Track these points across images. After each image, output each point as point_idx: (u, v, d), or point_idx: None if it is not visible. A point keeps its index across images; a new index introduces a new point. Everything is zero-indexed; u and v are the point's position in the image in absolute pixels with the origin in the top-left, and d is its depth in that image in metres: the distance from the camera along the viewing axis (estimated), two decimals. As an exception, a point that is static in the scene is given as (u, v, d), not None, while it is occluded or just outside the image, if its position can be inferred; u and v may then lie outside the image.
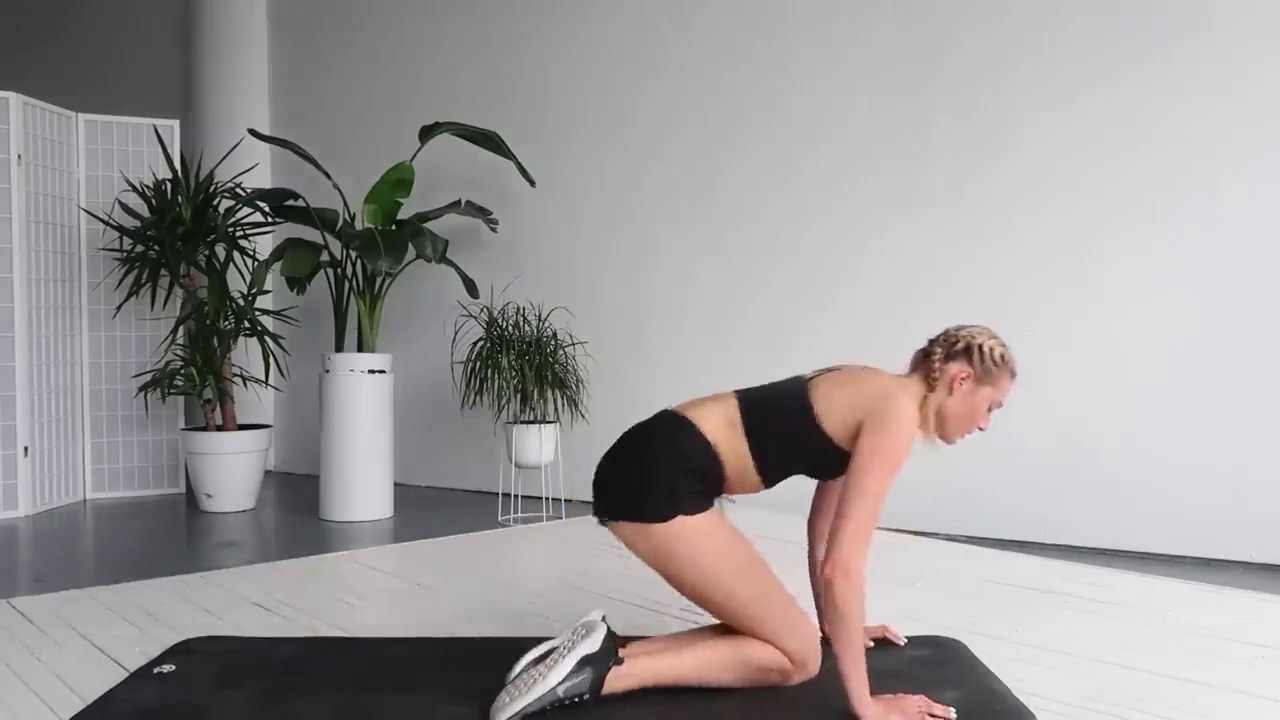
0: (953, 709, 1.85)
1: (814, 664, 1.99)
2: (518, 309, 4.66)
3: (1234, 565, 3.55)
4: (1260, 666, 2.26)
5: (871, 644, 2.28)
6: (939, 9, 4.16)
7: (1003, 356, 2.07)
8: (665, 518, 1.92)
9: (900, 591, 2.94)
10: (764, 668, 1.98)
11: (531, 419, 4.49)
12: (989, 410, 2.07)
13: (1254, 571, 3.47)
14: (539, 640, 2.07)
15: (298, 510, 4.88)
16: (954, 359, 2.07)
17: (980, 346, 2.06)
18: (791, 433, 2.00)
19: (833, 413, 1.98)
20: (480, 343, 4.55)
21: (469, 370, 4.52)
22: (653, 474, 1.95)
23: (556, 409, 4.60)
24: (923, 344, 2.15)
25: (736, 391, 2.10)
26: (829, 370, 2.10)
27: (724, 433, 2.00)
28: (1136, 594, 2.93)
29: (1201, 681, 2.15)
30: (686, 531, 1.93)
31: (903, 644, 2.32)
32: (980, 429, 2.09)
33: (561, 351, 4.61)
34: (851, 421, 1.97)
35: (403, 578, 3.25)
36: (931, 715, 1.83)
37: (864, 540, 1.84)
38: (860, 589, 1.81)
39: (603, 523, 2.01)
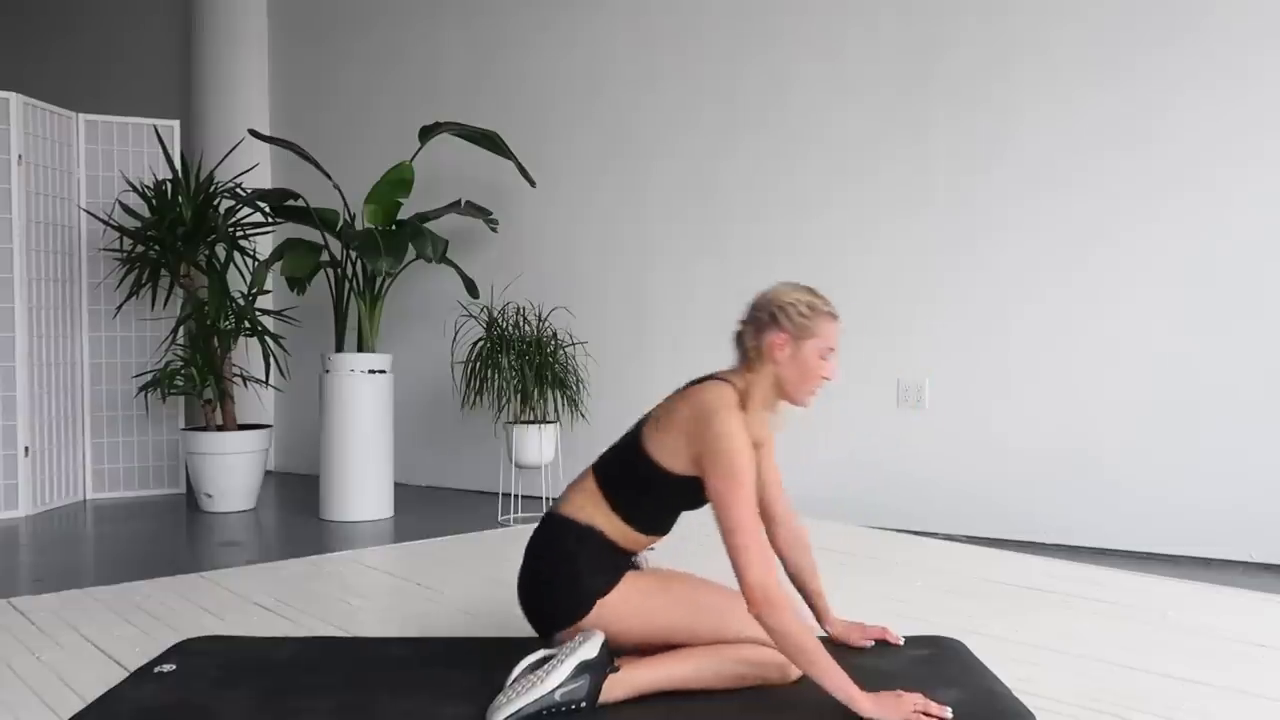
0: (949, 708, 1.84)
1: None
2: (518, 309, 4.66)
3: (1234, 565, 3.55)
4: (1260, 666, 2.26)
5: (871, 644, 2.28)
6: (936, 8, 4.16)
7: (810, 306, 2.05)
8: (587, 611, 1.96)
9: (900, 591, 2.94)
10: (760, 663, 1.98)
11: (531, 419, 4.49)
12: (824, 359, 2.04)
13: (1254, 571, 3.47)
14: (538, 640, 2.08)
15: (298, 510, 4.88)
16: (765, 330, 2.05)
17: (783, 308, 2.04)
18: (642, 481, 2.03)
19: (664, 448, 2.00)
20: (480, 343, 4.55)
21: (469, 370, 4.52)
22: (556, 587, 2.01)
23: (556, 409, 4.60)
24: (737, 327, 2.13)
25: (593, 464, 2.12)
26: (664, 400, 2.12)
27: (595, 512, 2.03)
28: (1136, 594, 2.93)
29: (1201, 681, 2.15)
30: (614, 610, 1.97)
31: (900, 644, 2.32)
32: (826, 379, 2.06)
33: (561, 351, 4.61)
34: (685, 453, 1.98)
35: (403, 578, 3.25)
36: (927, 715, 1.81)
37: (764, 564, 1.84)
38: (788, 608, 1.81)
39: (544, 636, 2.06)
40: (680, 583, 2.04)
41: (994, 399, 4.05)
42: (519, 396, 4.45)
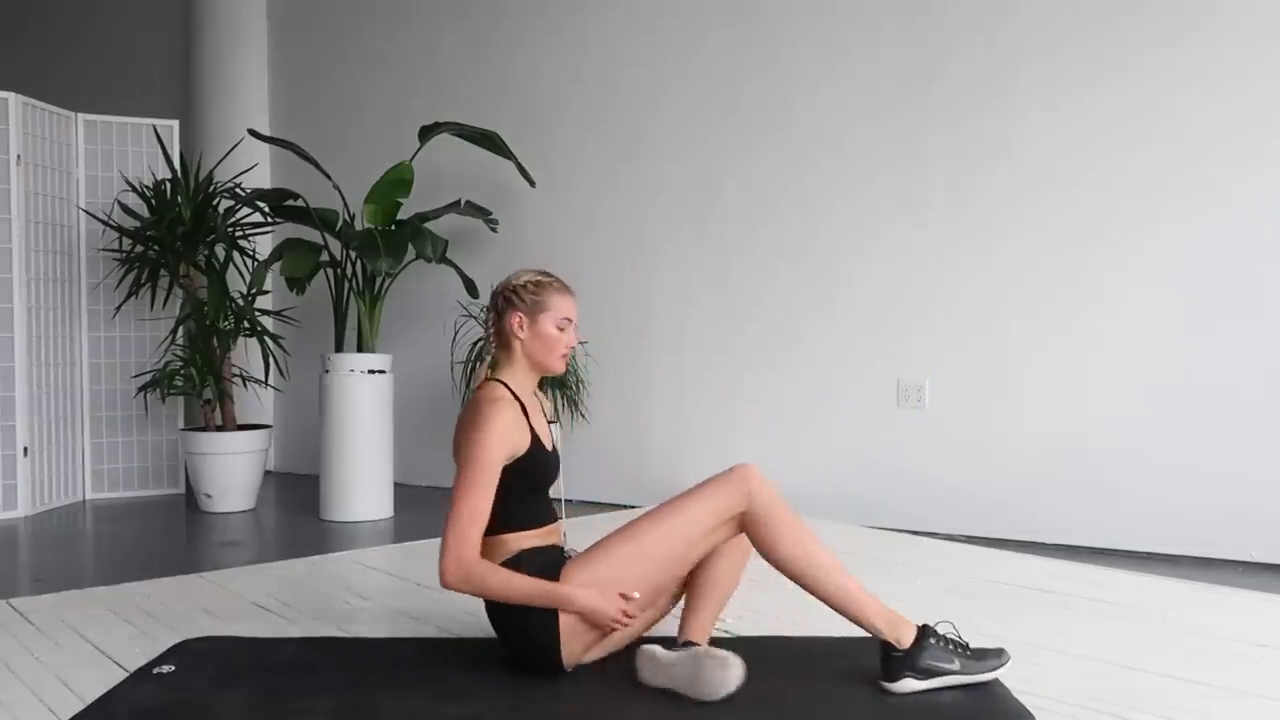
0: (636, 592, 2.03)
1: (745, 470, 2.10)
2: (518, 309, 4.65)
3: (1234, 565, 3.55)
4: (1260, 666, 2.26)
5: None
6: (940, 12, 4.16)
7: (535, 283, 2.20)
8: (556, 639, 2.05)
9: (900, 591, 2.94)
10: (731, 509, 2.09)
11: (531, 419, 4.49)
12: (561, 330, 2.20)
13: (1254, 571, 3.47)
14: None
15: (298, 510, 4.88)
16: (503, 315, 2.20)
17: (514, 290, 2.20)
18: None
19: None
20: (480, 343, 4.54)
21: (469, 370, 4.52)
22: (526, 637, 2.08)
23: (557, 409, 4.60)
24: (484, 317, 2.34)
25: None
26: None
27: (493, 550, 2.10)
28: (1136, 594, 2.93)
29: (1201, 681, 2.15)
30: (585, 581, 2.04)
31: None
32: (570, 346, 2.22)
33: (561, 351, 4.60)
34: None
35: (403, 578, 3.25)
36: (626, 612, 2.01)
37: (457, 546, 1.98)
38: (476, 573, 1.98)
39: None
40: (614, 547, 2.09)
41: (994, 399, 4.05)
42: (519, 396, 4.45)
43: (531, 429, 2.14)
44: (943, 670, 2.00)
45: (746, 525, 2.08)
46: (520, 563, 2.07)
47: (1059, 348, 3.92)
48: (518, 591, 2.00)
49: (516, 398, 2.13)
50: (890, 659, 2.01)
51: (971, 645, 2.09)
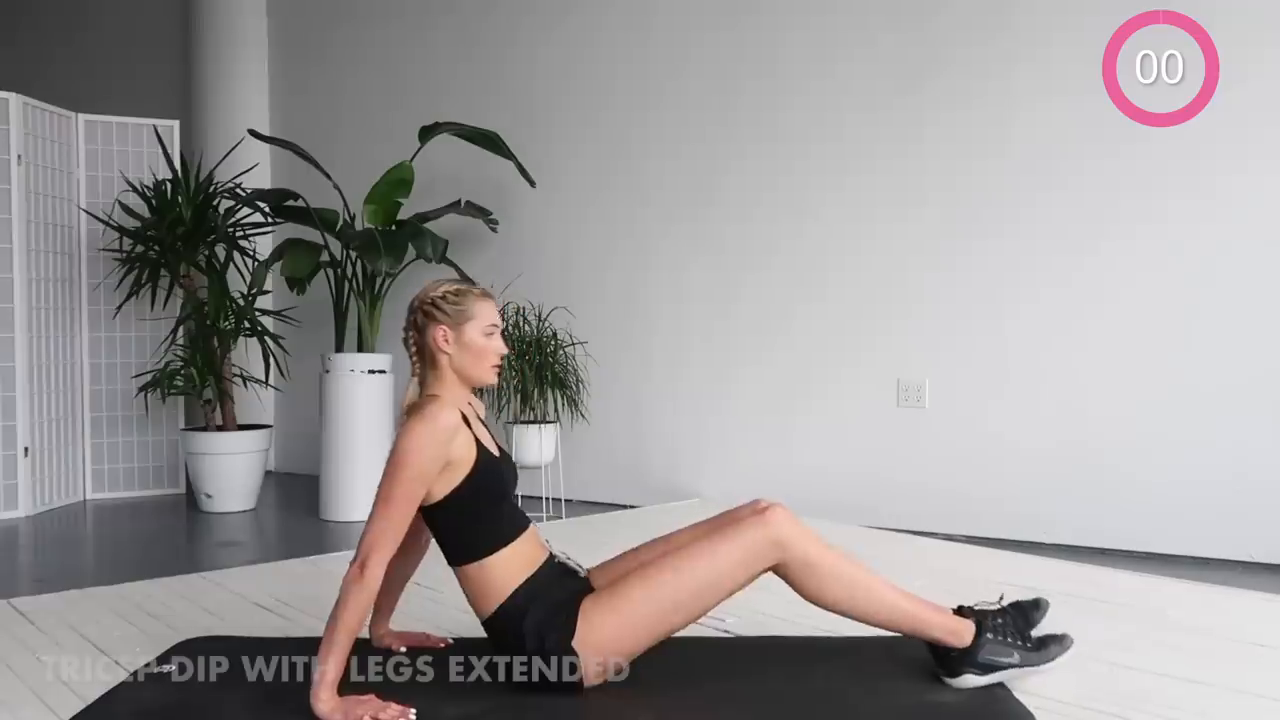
0: (413, 710, 1.87)
1: (774, 516, 2.01)
2: (517, 309, 4.66)
3: (1234, 565, 3.55)
4: (1260, 666, 2.26)
5: (404, 649, 2.29)
6: (934, 7, 4.16)
7: (455, 292, 2.09)
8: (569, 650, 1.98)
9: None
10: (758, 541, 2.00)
11: (531, 419, 4.49)
12: (489, 336, 2.09)
13: (1254, 571, 3.47)
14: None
15: (298, 510, 4.88)
16: (425, 330, 2.08)
17: (433, 302, 2.08)
18: (454, 525, 2.06)
19: (425, 489, 2.03)
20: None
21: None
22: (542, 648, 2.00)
23: (556, 409, 4.60)
24: (403, 336, 2.18)
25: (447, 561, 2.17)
26: None
27: (484, 580, 2.04)
28: (1136, 594, 2.93)
29: (1201, 681, 2.15)
30: (599, 622, 1.98)
31: (445, 646, 2.34)
32: (502, 354, 2.12)
33: (561, 351, 4.61)
34: (431, 477, 2.01)
35: (403, 578, 3.24)
36: (378, 718, 1.84)
37: (371, 545, 1.91)
38: (368, 588, 1.89)
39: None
40: (635, 591, 2.01)
41: (994, 399, 4.05)
42: (519, 396, 4.45)
43: (476, 438, 2.04)
44: (1002, 665, 2.00)
45: (783, 575, 2.01)
46: (534, 600, 2.01)
47: (1059, 347, 3.92)
48: (332, 627, 1.89)
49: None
50: (950, 657, 2.01)
51: (1034, 633, 2.09)
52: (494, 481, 2.06)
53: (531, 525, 2.14)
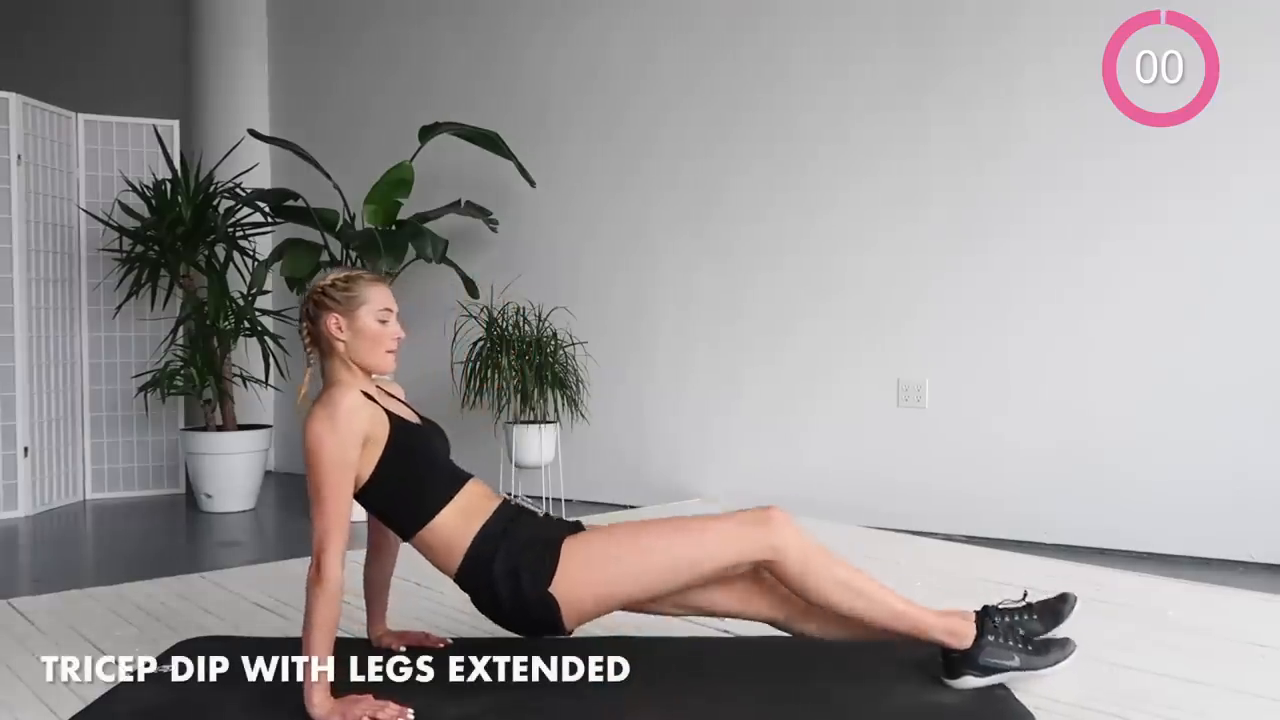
0: (410, 709, 1.88)
1: (773, 516, 1.99)
2: (518, 309, 4.65)
3: (1234, 565, 3.55)
4: (1260, 666, 2.26)
5: (404, 649, 2.28)
6: (941, 11, 4.16)
7: (345, 279, 2.08)
8: (552, 604, 1.99)
9: (900, 591, 2.94)
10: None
11: (531, 419, 4.49)
12: (384, 322, 2.08)
13: (1254, 571, 3.47)
14: (539, 640, 2.07)
15: (298, 510, 4.88)
16: (318, 320, 2.07)
17: (324, 291, 2.07)
18: (391, 498, 2.11)
19: (354, 474, 2.06)
20: (480, 343, 4.54)
21: (469, 370, 4.51)
22: (518, 599, 2.02)
23: (556, 409, 4.59)
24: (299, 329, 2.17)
25: (401, 541, 2.23)
26: None
27: (445, 540, 2.08)
28: (1136, 594, 2.93)
29: (1201, 681, 2.15)
30: (574, 588, 1.98)
31: (444, 646, 2.33)
32: (398, 339, 2.10)
33: (561, 351, 4.60)
34: (354, 458, 2.03)
35: (403, 578, 3.24)
36: (376, 717, 1.86)
37: (325, 539, 1.94)
38: (328, 588, 1.91)
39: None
40: (619, 533, 2.04)
41: (994, 399, 4.05)
42: (519, 397, 4.45)
43: (387, 411, 2.05)
44: (1002, 667, 2.00)
45: (776, 574, 2.00)
46: (499, 542, 2.01)
47: (1059, 347, 3.92)
48: (307, 633, 1.92)
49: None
50: (950, 659, 2.01)
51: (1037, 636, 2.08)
52: (418, 444, 2.07)
53: (475, 478, 2.13)
